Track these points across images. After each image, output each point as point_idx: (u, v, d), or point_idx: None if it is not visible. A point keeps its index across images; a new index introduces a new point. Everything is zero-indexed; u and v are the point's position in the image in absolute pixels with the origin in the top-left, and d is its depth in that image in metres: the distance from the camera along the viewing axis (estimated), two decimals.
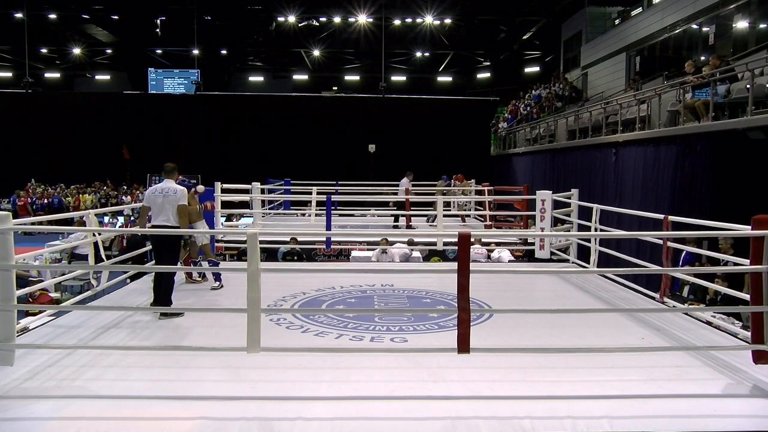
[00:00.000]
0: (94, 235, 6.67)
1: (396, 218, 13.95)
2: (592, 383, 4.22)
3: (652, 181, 11.37)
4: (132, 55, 33.97)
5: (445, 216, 13.43)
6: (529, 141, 22.28)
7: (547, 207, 9.50)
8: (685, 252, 7.71)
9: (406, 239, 10.90)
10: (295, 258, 10.79)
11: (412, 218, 13.99)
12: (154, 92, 29.09)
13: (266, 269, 4.85)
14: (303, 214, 15.51)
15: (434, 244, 11.13)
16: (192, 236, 7.43)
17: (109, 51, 34.79)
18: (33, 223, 7.93)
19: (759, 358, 4.24)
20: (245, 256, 4.81)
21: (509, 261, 10.37)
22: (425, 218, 14.94)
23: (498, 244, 10.99)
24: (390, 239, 10.58)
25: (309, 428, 3.57)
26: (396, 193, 15.06)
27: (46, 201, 22.68)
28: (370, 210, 15.64)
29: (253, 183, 13.37)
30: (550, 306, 6.68)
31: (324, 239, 10.92)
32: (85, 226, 7.49)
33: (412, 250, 10.69)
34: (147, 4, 28.08)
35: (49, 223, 10.63)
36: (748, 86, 9.23)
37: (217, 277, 7.50)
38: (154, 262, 6.90)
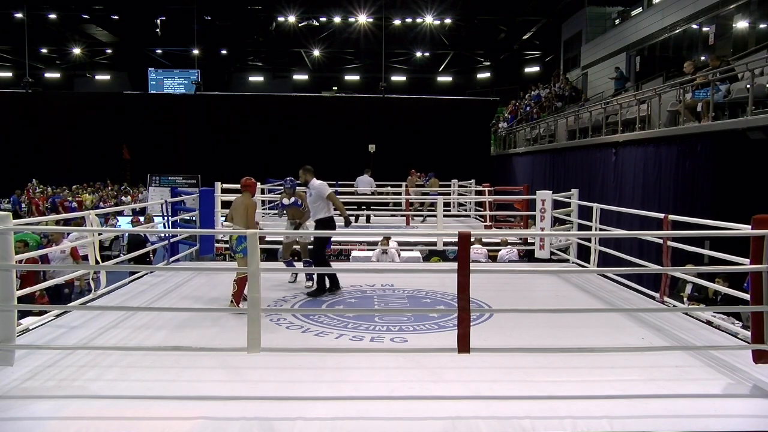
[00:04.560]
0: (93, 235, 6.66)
1: (368, 218, 14.44)
2: (592, 383, 4.22)
3: (653, 181, 11.37)
4: (132, 55, 33.97)
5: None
6: (529, 141, 22.28)
7: (547, 207, 9.50)
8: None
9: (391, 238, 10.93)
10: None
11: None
12: (154, 92, 29.12)
13: (266, 269, 4.85)
14: None
15: (434, 244, 11.13)
16: (301, 237, 7.92)
17: (109, 51, 34.78)
18: (33, 224, 7.91)
19: (759, 357, 4.23)
20: None
21: (509, 261, 10.38)
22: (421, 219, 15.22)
23: (505, 243, 11.03)
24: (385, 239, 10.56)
25: (309, 428, 3.57)
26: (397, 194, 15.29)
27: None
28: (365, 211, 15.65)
29: None
30: (550, 306, 6.68)
31: None
32: (84, 226, 7.48)
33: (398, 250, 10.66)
34: (147, 4, 28.08)
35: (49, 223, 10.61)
36: (748, 86, 9.23)
37: (310, 276, 7.59)
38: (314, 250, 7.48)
